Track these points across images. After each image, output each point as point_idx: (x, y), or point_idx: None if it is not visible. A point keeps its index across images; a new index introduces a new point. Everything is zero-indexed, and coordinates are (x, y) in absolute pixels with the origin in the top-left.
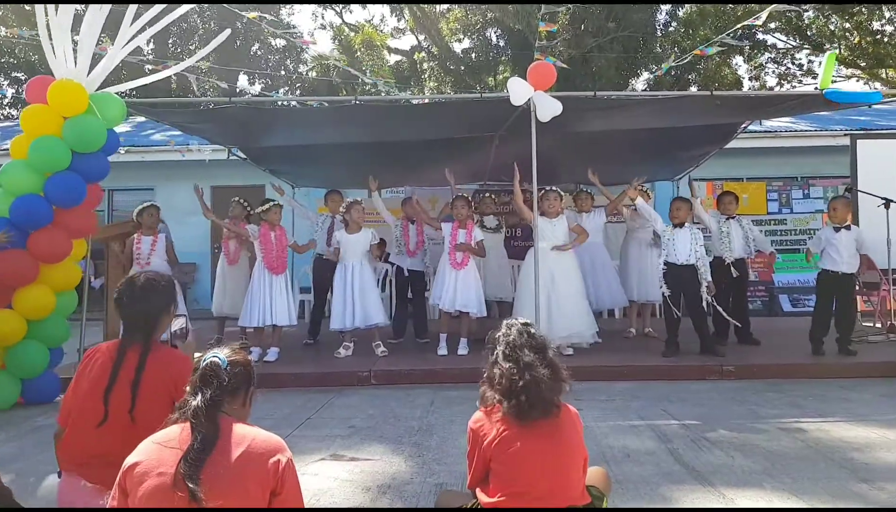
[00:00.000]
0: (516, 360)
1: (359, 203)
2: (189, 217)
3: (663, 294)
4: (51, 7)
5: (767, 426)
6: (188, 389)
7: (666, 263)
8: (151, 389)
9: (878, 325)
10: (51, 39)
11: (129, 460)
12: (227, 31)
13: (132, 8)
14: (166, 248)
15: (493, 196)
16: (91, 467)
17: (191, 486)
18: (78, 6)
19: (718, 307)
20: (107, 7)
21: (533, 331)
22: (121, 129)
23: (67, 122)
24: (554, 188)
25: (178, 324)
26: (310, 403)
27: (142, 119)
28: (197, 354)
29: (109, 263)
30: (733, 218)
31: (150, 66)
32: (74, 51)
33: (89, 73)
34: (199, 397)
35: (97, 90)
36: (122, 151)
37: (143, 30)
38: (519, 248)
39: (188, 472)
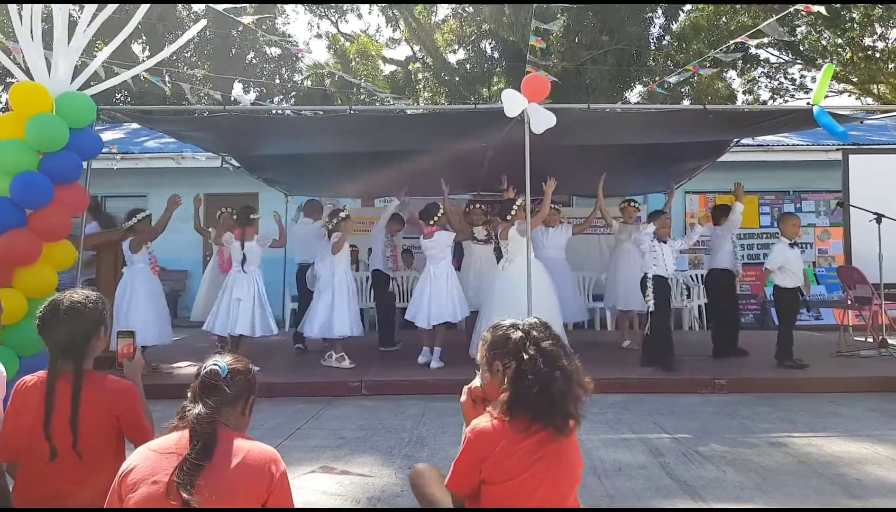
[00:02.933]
0: (550, 368)
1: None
2: (181, 225)
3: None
4: (24, 9)
5: (759, 441)
6: (189, 395)
7: (655, 276)
8: (93, 423)
9: (870, 339)
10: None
11: (125, 466)
12: (203, 22)
13: (89, 8)
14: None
15: (481, 207)
16: (47, 508)
17: (185, 495)
18: (55, 7)
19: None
20: (65, 8)
21: (558, 335)
22: (114, 135)
23: (29, 122)
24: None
25: (124, 342)
26: (299, 414)
27: (136, 126)
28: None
29: (101, 271)
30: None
31: (144, 73)
32: (49, 55)
33: (51, 75)
34: (198, 405)
35: (80, 91)
36: (117, 159)
37: (119, 32)
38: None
39: (184, 480)
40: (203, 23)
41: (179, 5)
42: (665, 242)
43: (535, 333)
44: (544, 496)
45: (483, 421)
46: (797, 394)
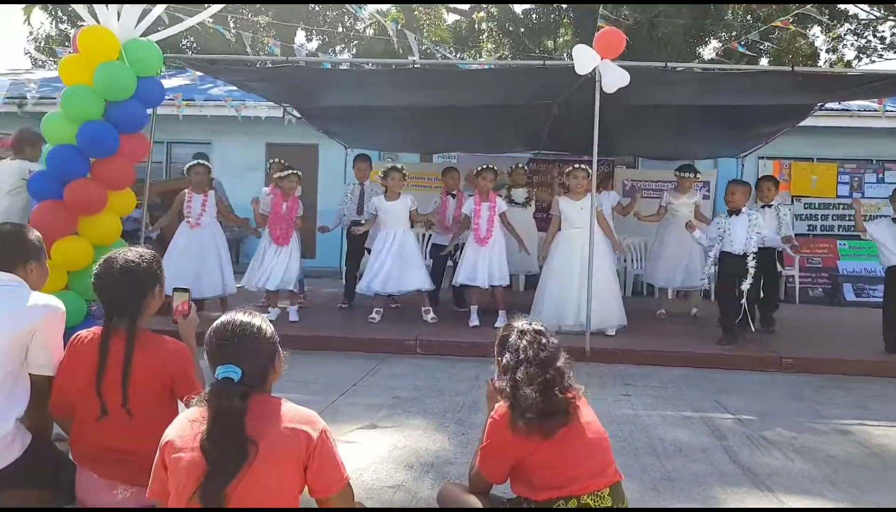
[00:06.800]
0: (525, 373)
1: (398, 170)
2: (245, 173)
3: (715, 285)
4: None
5: (828, 427)
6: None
7: (722, 252)
8: (145, 382)
9: None
10: None
11: (165, 438)
12: None
13: None
14: (218, 208)
15: (523, 167)
16: (101, 462)
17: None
18: None
19: (743, 301)
20: None
21: (545, 341)
22: (179, 82)
23: (97, 70)
24: (582, 166)
25: (180, 299)
26: (355, 369)
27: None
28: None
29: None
30: (769, 206)
31: (210, 20)
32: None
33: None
34: (216, 426)
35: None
36: (182, 105)
37: None
38: (546, 222)
39: (212, 491)
40: None
41: None
42: (738, 215)
43: (527, 338)
44: (591, 469)
45: (503, 406)
46: (872, 378)
